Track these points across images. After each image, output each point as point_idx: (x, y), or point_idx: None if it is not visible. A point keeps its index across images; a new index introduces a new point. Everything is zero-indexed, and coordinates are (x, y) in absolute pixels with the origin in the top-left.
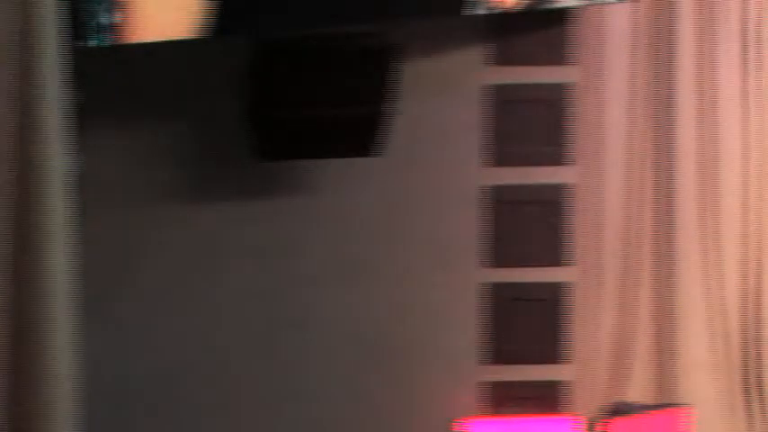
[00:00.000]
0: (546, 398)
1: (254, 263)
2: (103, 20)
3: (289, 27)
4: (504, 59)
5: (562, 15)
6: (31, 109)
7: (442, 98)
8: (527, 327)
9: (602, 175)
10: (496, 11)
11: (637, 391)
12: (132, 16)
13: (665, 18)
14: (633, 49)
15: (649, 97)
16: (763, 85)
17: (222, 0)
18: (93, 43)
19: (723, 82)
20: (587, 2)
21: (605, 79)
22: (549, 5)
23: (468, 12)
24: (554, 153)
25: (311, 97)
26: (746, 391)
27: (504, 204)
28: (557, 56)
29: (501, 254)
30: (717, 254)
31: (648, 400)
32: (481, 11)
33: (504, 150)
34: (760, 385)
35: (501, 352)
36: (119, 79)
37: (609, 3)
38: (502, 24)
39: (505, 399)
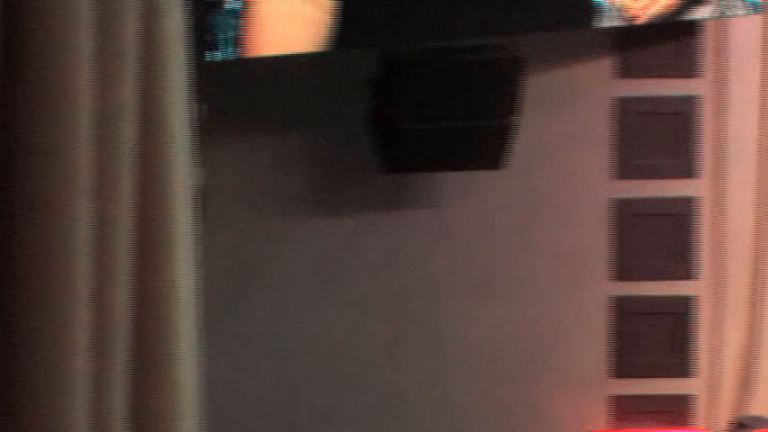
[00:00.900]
0: (673, 411)
1: (379, 275)
2: (228, 33)
3: (415, 39)
4: (632, 71)
5: (690, 27)
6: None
7: (570, 110)
8: (654, 340)
9: (730, 188)
10: (626, 23)
11: (763, 405)
12: (256, 30)
13: None
14: (761, 60)
15: None
16: None
17: (347, 12)
18: (217, 57)
19: None
20: (716, 14)
21: (733, 91)
22: (678, 17)
23: (597, 24)
24: (681, 166)
25: (437, 109)
26: None
27: (632, 217)
28: (684, 68)
29: (628, 267)
30: None
31: None
32: (610, 23)
33: (631, 163)
34: None
35: (628, 365)
36: (242, 91)
37: (739, 15)
38: (629, 36)
39: (632, 412)
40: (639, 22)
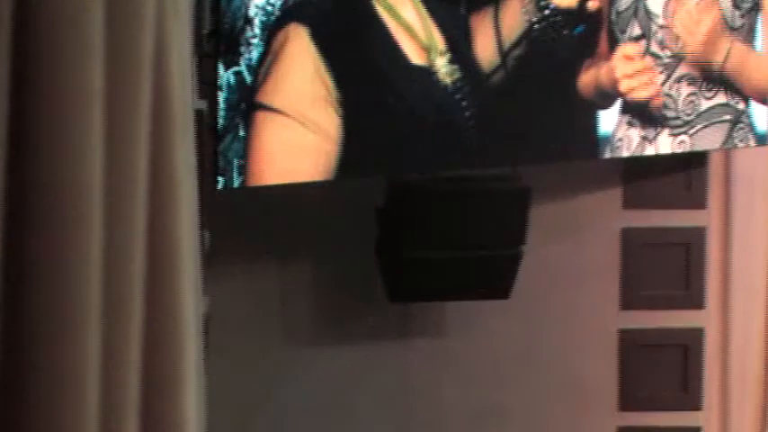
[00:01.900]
0: None
1: (385, 404)
2: (234, 161)
3: (421, 168)
4: (639, 202)
5: (698, 158)
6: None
7: (576, 240)
8: None
9: (736, 318)
10: (633, 154)
11: None
12: (262, 159)
13: None
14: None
15: None
16: None
17: (353, 141)
18: (222, 185)
19: None
20: (727, 145)
21: (739, 221)
22: (687, 149)
23: (604, 155)
24: (688, 296)
25: (444, 238)
26: None
27: (639, 348)
28: (691, 199)
29: (636, 398)
30: None
31: None
32: (617, 154)
33: (637, 293)
34: None
35: None
36: (247, 219)
37: (747, 146)
38: (636, 167)
39: None
40: (646, 153)
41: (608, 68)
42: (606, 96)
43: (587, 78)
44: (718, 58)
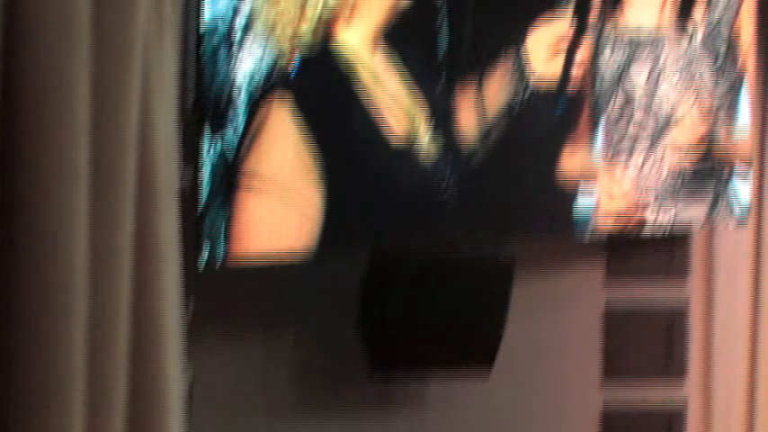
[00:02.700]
0: None
1: None
2: (215, 236)
3: (403, 243)
4: (621, 275)
5: (682, 233)
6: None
7: (558, 314)
8: None
9: (718, 389)
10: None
11: None
12: (244, 232)
13: None
14: (750, 263)
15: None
16: None
17: (334, 215)
18: (205, 260)
19: None
20: (711, 221)
21: (721, 293)
22: (668, 227)
23: (585, 231)
24: (670, 368)
25: (425, 312)
26: None
27: (620, 419)
28: (673, 271)
29: None
30: None
31: None
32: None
33: (619, 365)
34: None
35: None
36: (230, 292)
37: (730, 223)
38: (618, 241)
39: None
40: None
41: (590, 163)
42: (588, 181)
43: (570, 159)
44: (707, 133)
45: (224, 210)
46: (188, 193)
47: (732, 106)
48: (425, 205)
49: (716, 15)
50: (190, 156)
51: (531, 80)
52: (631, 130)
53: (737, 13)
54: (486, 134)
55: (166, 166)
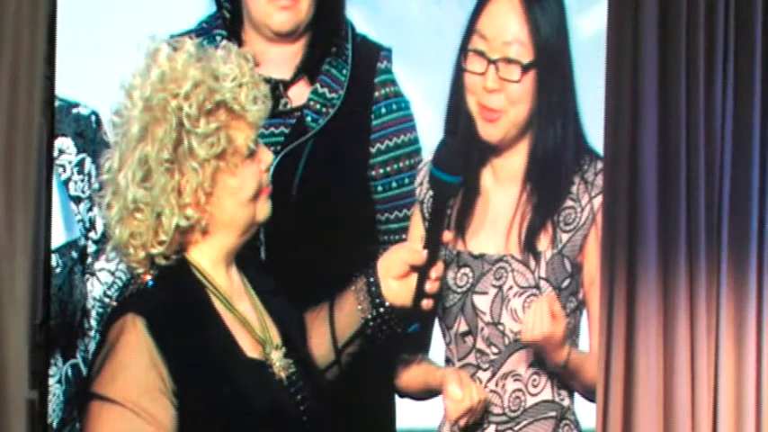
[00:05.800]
0: None
1: None
2: None
3: None
4: None
5: None
6: None
7: None
8: None
9: None
10: None
11: None
12: None
13: None
14: None
15: None
16: None
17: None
18: None
19: None
20: None
21: None
22: None
23: None
24: None
25: None
26: None
27: None
28: None
29: None
30: None
31: None
32: None
33: None
34: None
35: None
36: None
37: None
38: None
39: None
40: None
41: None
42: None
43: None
44: (559, 360)
45: (77, 427)
46: (37, 407)
47: (575, 332)
48: (277, 422)
49: (560, 246)
50: (38, 370)
51: (384, 299)
52: (476, 349)
53: (583, 246)
54: (338, 354)
55: (17, 382)
